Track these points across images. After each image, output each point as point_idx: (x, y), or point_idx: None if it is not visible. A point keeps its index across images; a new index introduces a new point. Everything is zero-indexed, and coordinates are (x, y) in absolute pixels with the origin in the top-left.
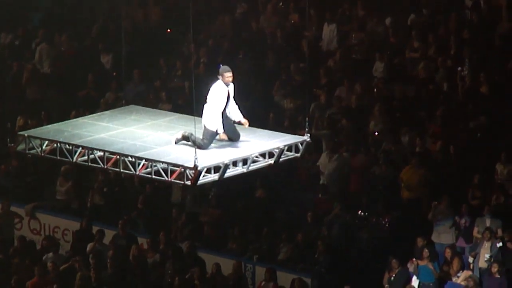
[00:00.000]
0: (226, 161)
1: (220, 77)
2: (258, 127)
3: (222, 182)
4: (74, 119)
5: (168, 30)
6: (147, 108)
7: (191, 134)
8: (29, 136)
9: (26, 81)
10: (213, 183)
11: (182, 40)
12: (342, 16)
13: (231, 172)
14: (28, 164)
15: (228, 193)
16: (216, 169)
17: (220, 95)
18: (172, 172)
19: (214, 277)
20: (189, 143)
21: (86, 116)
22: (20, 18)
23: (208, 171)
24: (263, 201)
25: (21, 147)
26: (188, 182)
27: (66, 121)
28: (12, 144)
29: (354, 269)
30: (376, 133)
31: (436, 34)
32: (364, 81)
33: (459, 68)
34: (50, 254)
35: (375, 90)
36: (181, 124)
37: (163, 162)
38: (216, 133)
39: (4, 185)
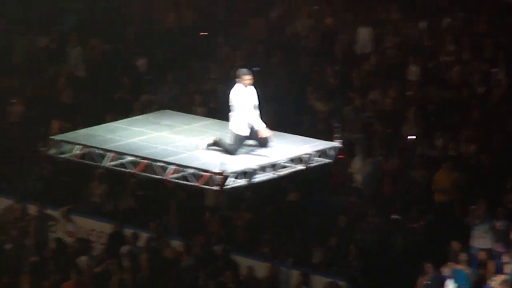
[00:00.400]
0: (254, 167)
1: (238, 80)
2: (292, 131)
3: (255, 186)
4: (107, 124)
5: (202, 33)
6: (181, 113)
7: (220, 139)
8: (60, 141)
9: (61, 85)
10: (246, 187)
11: (216, 43)
12: (376, 19)
13: (260, 177)
14: (63, 167)
15: (261, 197)
16: (245, 174)
17: (242, 97)
18: (200, 177)
19: (248, 280)
20: (219, 148)
21: (119, 121)
22: (54, 22)
23: (237, 176)
24: (296, 205)
25: (52, 151)
26: (216, 187)
27: (99, 126)
28: (44, 148)
29: (388, 273)
30: (411, 137)
31: (470, 38)
32: (398, 84)
33: (494, 70)
34: (85, 257)
35: (409, 93)
36: (214, 129)
37: (191, 167)
38: (244, 138)
39: (38, 188)
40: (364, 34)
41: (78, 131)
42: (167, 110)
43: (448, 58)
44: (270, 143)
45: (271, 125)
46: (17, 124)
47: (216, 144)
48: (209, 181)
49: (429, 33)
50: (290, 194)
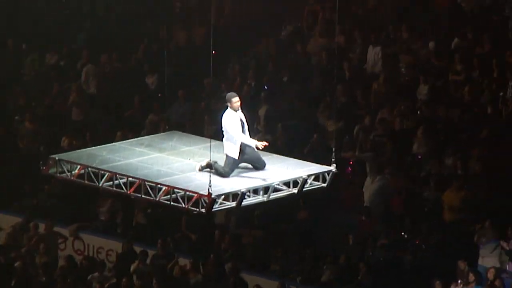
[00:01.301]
0: (243, 189)
1: (228, 104)
2: (301, 149)
3: (265, 203)
4: (112, 144)
5: (214, 51)
6: (188, 134)
7: (215, 162)
8: (59, 160)
9: (72, 102)
10: (256, 204)
11: (227, 61)
12: (386, 38)
13: (251, 200)
14: (71, 184)
15: (271, 215)
16: (235, 197)
17: (233, 121)
18: (189, 199)
19: None
20: (212, 170)
21: (126, 141)
22: (64, 39)
23: (227, 198)
24: (306, 223)
25: (52, 170)
26: (203, 210)
27: (104, 145)
28: (44, 167)
29: None
30: (419, 156)
31: (479, 57)
32: (408, 103)
33: (501, 94)
34: (95, 274)
35: (418, 112)
36: (214, 152)
37: (180, 189)
38: (238, 161)
39: (47, 205)
40: (374, 53)
41: (81, 150)
42: (175, 131)
43: (457, 77)
44: (266, 166)
45: (281, 143)
46: (27, 141)
47: (209, 166)
48: (198, 203)
49: (438, 52)
50: (299, 212)
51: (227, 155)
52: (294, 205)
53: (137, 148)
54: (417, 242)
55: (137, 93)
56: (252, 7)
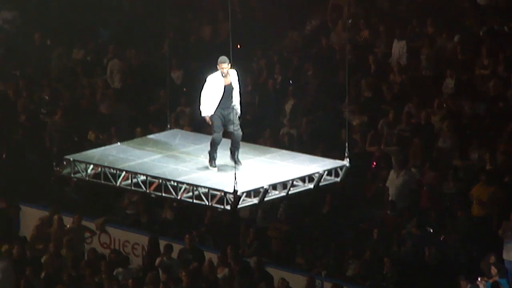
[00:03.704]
0: (266, 186)
1: (218, 67)
2: (326, 143)
3: (290, 197)
4: (118, 144)
5: (238, 46)
6: (191, 133)
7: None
8: (74, 160)
9: (98, 97)
10: (281, 198)
11: (252, 55)
12: (411, 32)
13: (271, 196)
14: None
15: (296, 209)
16: (256, 193)
17: (212, 83)
18: (213, 196)
19: None
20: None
21: (130, 141)
22: (90, 34)
23: (248, 195)
24: (331, 216)
25: (66, 171)
26: (228, 207)
27: (112, 145)
28: (58, 168)
29: (422, 286)
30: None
31: (506, 51)
32: (433, 97)
33: None
34: (120, 269)
35: (444, 106)
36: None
37: (204, 187)
38: (215, 117)
39: (75, 199)
40: (399, 47)
41: (92, 150)
42: (178, 130)
43: (483, 71)
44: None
45: (306, 137)
46: (54, 134)
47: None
48: (222, 200)
49: (463, 46)
50: (325, 206)
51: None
52: (319, 199)
53: (146, 147)
54: (442, 237)
55: (162, 88)
56: (277, 1)
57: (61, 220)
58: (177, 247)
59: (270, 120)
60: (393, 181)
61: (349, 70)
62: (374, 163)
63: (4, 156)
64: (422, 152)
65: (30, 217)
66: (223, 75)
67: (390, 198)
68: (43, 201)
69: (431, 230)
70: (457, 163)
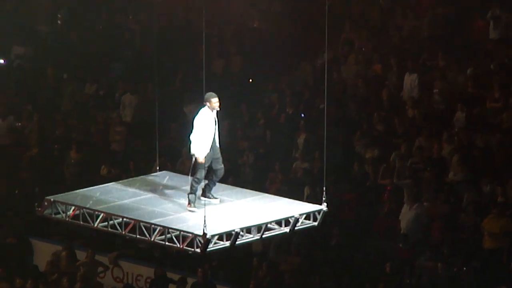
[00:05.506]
0: (237, 229)
1: (207, 103)
2: (338, 177)
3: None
4: (105, 184)
5: (250, 80)
6: (179, 175)
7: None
8: (54, 201)
9: (111, 131)
10: (293, 232)
11: (263, 89)
12: (423, 65)
13: (244, 239)
14: None
15: (308, 242)
16: (228, 236)
17: (207, 122)
18: (185, 238)
19: None
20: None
21: (118, 182)
22: (102, 68)
23: (221, 238)
24: (343, 250)
25: (47, 211)
26: (198, 250)
27: (97, 186)
28: (39, 209)
29: None
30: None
31: None
32: (445, 131)
33: None
34: None
35: (455, 139)
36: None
37: (174, 229)
38: (205, 163)
39: (89, 233)
40: (410, 80)
41: (75, 191)
42: (166, 172)
43: (494, 104)
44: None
45: (317, 170)
46: (69, 169)
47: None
48: (193, 243)
49: (475, 80)
50: (336, 239)
51: (194, 156)
52: (331, 232)
53: (130, 189)
54: (455, 269)
55: (175, 122)
56: (288, 35)
57: (74, 255)
58: (190, 281)
59: (281, 154)
60: (405, 214)
61: (360, 103)
62: (386, 196)
63: (17, 192)
64: (433, 185)
65: (44, 252)
66: (213, 110)
67: (402, 231)
68: (56, 236)
69: (444, 263)
70: (469, 196)
